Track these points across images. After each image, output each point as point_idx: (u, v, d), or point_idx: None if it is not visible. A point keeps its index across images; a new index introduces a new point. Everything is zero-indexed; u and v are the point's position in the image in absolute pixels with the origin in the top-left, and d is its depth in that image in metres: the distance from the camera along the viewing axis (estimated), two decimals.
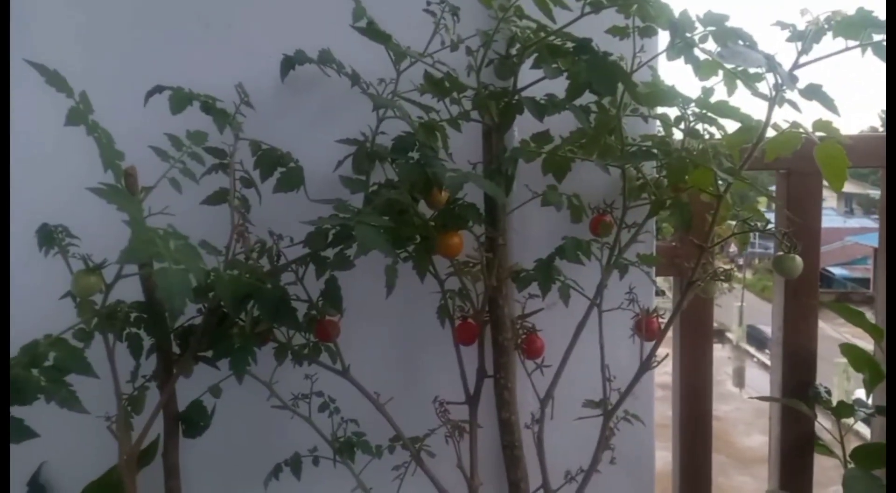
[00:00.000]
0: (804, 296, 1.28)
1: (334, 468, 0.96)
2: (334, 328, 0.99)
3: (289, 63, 1.02)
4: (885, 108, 0.95)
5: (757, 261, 22.71)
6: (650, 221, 1.06)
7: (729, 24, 0.80)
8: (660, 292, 1.08)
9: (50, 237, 0.73)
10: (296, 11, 1.13)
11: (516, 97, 0.86)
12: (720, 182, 0.90)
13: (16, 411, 0.69)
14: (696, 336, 1.24)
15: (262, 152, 0.98)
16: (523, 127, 0.98)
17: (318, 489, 0.98)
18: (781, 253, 0.93)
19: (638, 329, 1.00)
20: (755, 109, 1.00)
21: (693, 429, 1.28)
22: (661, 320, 1.00)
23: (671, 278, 1.33)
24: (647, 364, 0.96)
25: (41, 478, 1.26)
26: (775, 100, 0.85)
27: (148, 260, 0.61)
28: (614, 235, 1.03)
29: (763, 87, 0.88)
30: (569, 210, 0.94)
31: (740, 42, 0.78)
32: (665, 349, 1.00)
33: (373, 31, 0.84)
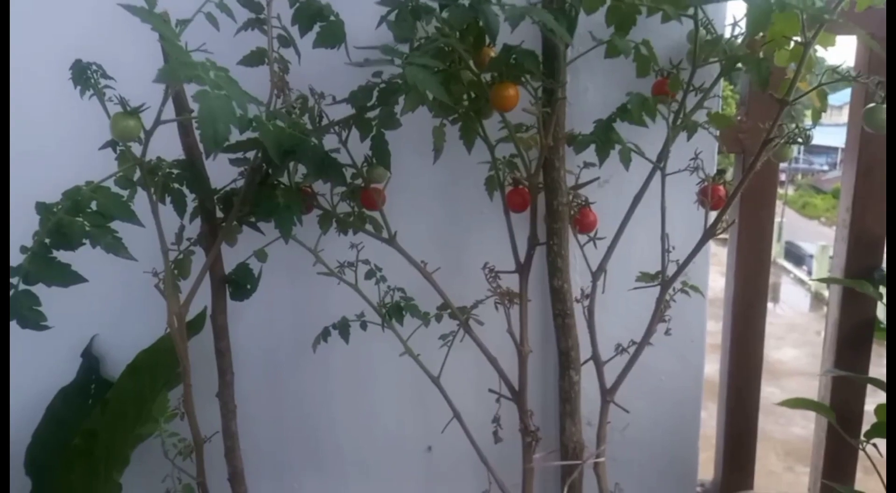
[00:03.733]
0: (877, 174, 1.19)
1: (382, 333, 0.95)
2: (379, 196, 0.96)
3: None
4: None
5: (799, 176, 21.93)
6: (717, 86, 0.97)
7: None
8: (721, 171, 1.00)
9: (84, 75, 0.69)
10: None
11: None
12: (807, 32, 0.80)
13: (63, 256, 0.68)
14: (758, 207, 1.18)
15: (299, 4, 0.90)
16: None
17: (365, 353, 0.98)
18: (873, 104, 0.84)
19: (703, 196, 0.93)
20: None
21: (748, 302, 1.23)
22: (728, 186, 0.94)
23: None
24: (711, 231, 0.90)
25: (93, 350, 1.30)
26: None
27: (185, 82, 0.56)
28: (681, 96, 0.95)
29: None
30: (634, 62, 0.85)
31: None
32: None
33: None
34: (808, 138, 0.88)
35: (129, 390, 1.21)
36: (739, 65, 0.91)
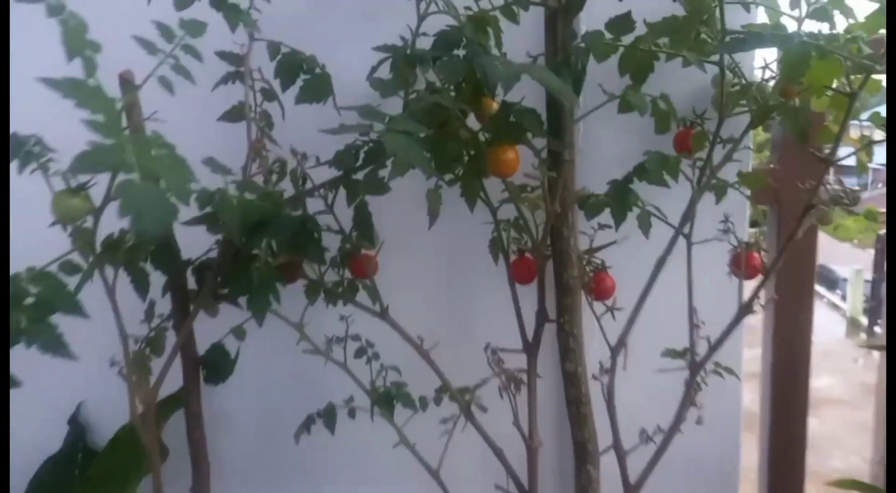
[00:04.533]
0: None
1: (372, 423, 0.85)
2: (371, 263, 0.86)
3: None
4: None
5: None
6: (748, 135, 0.87)
7: None
8: (753, 222, 0.89)
9: (23, 149, 0.61)
10: None
11: None
12: (853, 77, 0.69)
13: None
14: (796, 276, 1.05)
15: (282, 56, 0.83)
16: (592, 15, 0.79)
17: (355, 443, 0.87)
18: None
19: (736, 265, 0.82)
20: None
21: (789, 378, 1.10)
22: (764, 251, 0.82)
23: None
24: (746, 308, 0.79)
25: (80, 417, 1.22)
26: None
27: (112, 170, 0.48)
28: (707, 151, 0.84)
29: None
30: (652, 117, 0.75)
31: None
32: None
33: None
34: (856, 200, 0.77)
35: (111, 466, 1.12)
36: (773, 114, 0.81)
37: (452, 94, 0.73)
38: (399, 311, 0.87)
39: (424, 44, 0.78)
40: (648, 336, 0.90)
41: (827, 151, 0.80)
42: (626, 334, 0.88)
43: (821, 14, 0.71)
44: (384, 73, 0.85)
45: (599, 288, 0.90)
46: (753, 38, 0.67)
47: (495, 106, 0.80)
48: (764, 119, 0.81)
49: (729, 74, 0.86)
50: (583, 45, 0.67)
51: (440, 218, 0.83)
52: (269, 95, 0.86)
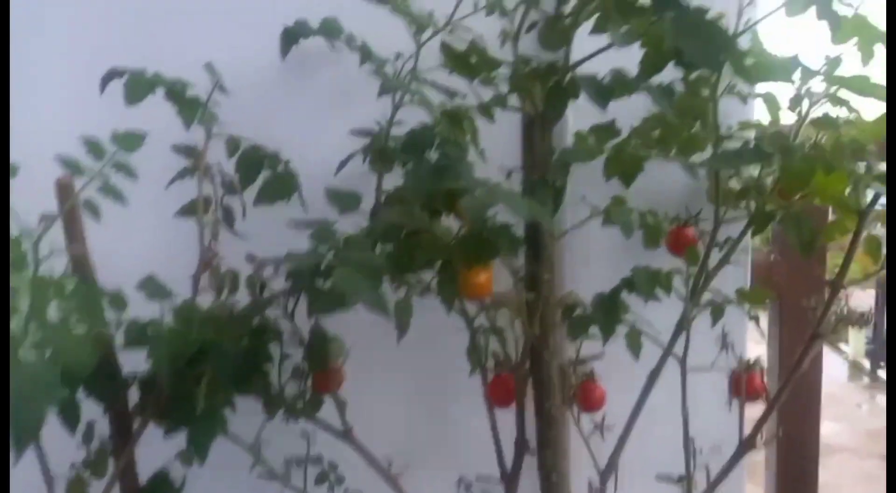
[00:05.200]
0: None
1: None
2: (336, 378, 0.78)
3: (291, 37, 0.81)
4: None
5: None
6: (745, 239, 0.80)
7: None
8: (753, 318, 0.81)
9: None
10: None
11: (569, 75, 0.61)
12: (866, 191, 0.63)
13: None
14: (801, 405, 0.96)
15: (242, 152, 0.76)
16: (579, 114, 0.73)
17: None
18: None
19: (735, 388, 0.74)
20: None
21: None
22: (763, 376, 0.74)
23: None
24: (749, 443, 0.71)
25: None
26: None
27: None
28: (701, 257, 0.77)
29: None
30: (641, 230, 0.68)
31: None
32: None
33: None
34: (867, 321, 0.69)
35: None
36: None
37: None
38: (366, 429, 0.79)
39: (405, 127, 0.73)
40: (641, 457, 0.81)
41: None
42: (618, 454, 0.80)
43: (826, 123, 0.65)
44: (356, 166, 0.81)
45: (588, 399, 0.82)
46: (750, 153, 0.61)
47: None
48: (764, 227, 0.74)
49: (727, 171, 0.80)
50: (561, 162, 0.60)
51: (412, 328, 0.76)
52: (231, 188, 0.80)
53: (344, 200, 0.62)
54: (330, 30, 0.81)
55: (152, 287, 0.59)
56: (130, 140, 0.57)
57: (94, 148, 0.55)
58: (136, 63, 0.70)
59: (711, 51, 0.51)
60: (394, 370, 0.86)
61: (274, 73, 0.89)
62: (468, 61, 0.62)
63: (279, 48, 0.81)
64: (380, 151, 0.77)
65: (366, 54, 0.81)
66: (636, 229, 0.68)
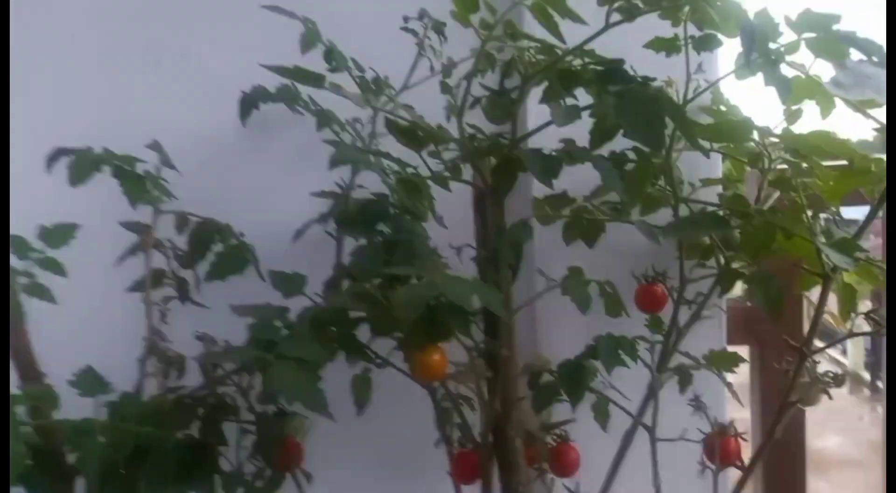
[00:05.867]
0: None
1: None
2: (295, 454, 0.75)
3: (249, 102, 0.80)
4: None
5: None
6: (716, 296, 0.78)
7: (839, 27, 0.52)
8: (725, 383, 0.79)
9: None
10: (261, 39, 0.90)
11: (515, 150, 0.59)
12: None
13: None
14: (785, 467, 0.93)
15: (194, 227, 0.74)
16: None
17: None
18: None
19: (708, 454, 0.72)
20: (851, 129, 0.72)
21: None
22: (743, 439, 0.72)
23: None
24: None
25: None
26: None
27: None
28: (671, 317, 0.75)
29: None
30: (602, 297, 0.66)
31: (863, 57, 0.49)
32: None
33: (298, 73, 0.59)
34: (841, 382, 0.67)
35: None
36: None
37: None
38: None
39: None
40: None
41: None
42: None
43: (784, 184, 0.63)
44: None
45: (562, 463, 0.79)
46: (707, 220, 0.59)
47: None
48: (731, 286, 0.72)
49: None
50: (511, 240, 0.58)
51: (376, 398, 0.73)
52: (184, 261, 0.78)
53: (288, 283, 0.60)
54: (287, 95, 0.79)
55: (87, 382, 0.56)
56: (59, 235, 0.54)
57: (19, 247, 0.53)
58: (92, 137, 0.68)
59: (653, 126, 0.49)
60: (358, 446, 0.83)
61: (234, 138, 0.88)
62: (414, 135, 0.60)
63: (238, 113, 0.80)
64: (338, 218, 0.76)
65: (323, 119, 0.79)
66: (597, 298, 0.66)
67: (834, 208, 0.64)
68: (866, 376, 6.04)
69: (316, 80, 0.60)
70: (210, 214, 0.76)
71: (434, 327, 0.59)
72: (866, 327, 0.68)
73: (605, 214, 0.67)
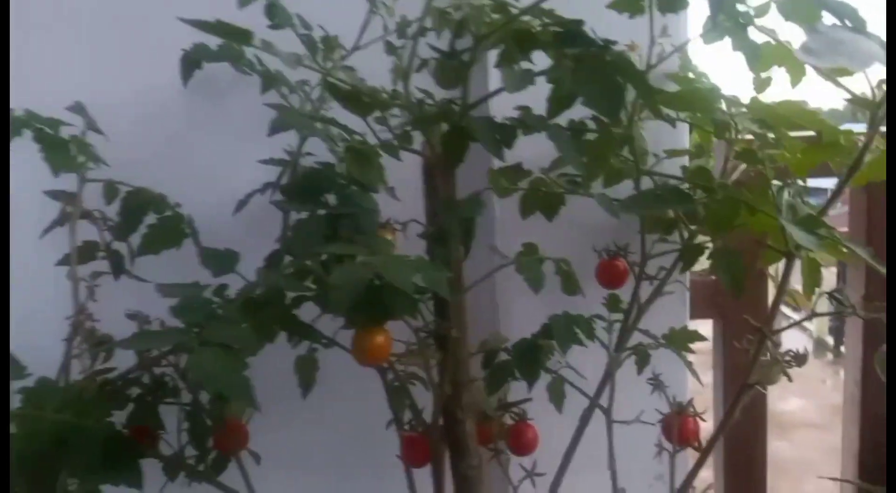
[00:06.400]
0: None
1: None
2: (238, 435, 0.72)
3: (191, 62, 0.74)
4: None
5: None
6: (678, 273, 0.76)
7: None
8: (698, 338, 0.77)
9: None
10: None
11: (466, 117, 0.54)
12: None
13: None
14: (746, 456, 0.93)
15: (125, 196, 0.69)
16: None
17: None
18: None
19: (667, 434, 0.70)
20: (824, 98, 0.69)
21: None
22: (702, 419, 0.70)
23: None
24: None
25: None
26: (883, 106, 0.53)
27: None
28: (632, 293, 0.73)
29: (857, 82, 0.56)
30: (558, 276, 0.63)
31: (836, 21, 0.46)
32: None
33: (220, 28, 0.53)
34: (803, 361, 0.65)
35: None
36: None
37: None
38: (275, 491, 0.73)
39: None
40: None
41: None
42: None
43: (750, 156, 0.60)
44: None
45: (519, 442, 0.77)
46: (669, 195, 0.56)
47: (391, 237, 0.68)
48: (693, 262, 0.69)
49: None
50: (459, 215, 0.54)
51: (324, 378, 0.70)
52: (118, 233, 0.72)
53: (218, 260, 0.55)
54: (230, 54, 0.73)
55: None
56: None
57: None
58: (19, 102, 0.63)
59: (609, 98, 0.45)
60: (306, 428, 0.80)
61: (180, 104, 0.82)
62: (358, 99, 0.56)
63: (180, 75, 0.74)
64: (281, 188, 0.71)
65: (269, 81, 0.74)
66: (553, 274, 0.63)
67: (801, 182, 0.61)
68: (830, 341, 6.23)
69: (241, 36, 0.55)
70: (151, 185, 0.71)
71: (377, 307, 0.55)
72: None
73: (562, 187, 0.63)
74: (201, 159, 0.85)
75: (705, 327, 0.97)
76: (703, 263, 1.04)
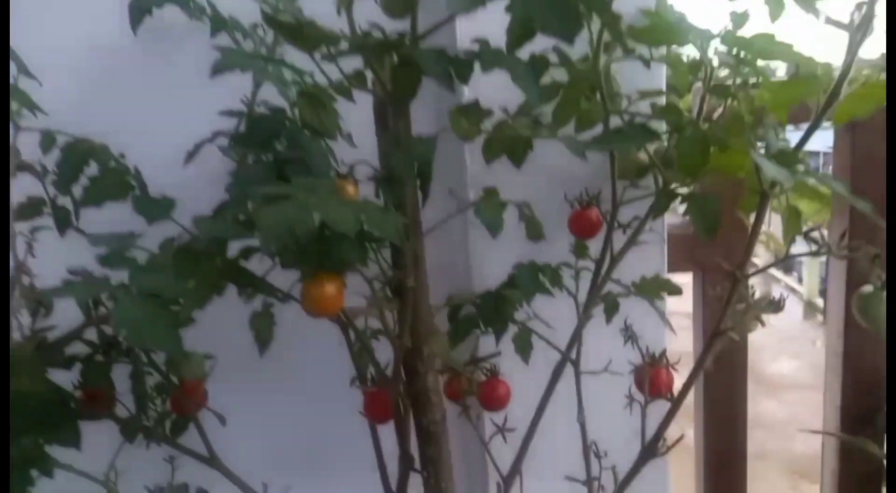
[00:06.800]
0: None
1: None
2: (195, 395, 0.69)
3: (140, 6, 0.69)
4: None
5: None
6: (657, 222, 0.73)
7: None
8: (675, 291, 0.75)
9: None
10: None
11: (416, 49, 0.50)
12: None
13: None
14: (725, 385, 0.91)
15: (64, 147, 0.65)
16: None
17: None
18: (868, 288, 0.59)
19: (639, 385, 0.68)
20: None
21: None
22: (674, 370, 0.68)
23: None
24: (651, 449, 0.64)
25: None
26: (863, 30, 0.49)
27: None
28: (603, 242, 0.70)
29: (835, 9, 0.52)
30: (522, 222, 0.60)
31: None
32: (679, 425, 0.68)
33: None
34: (779, 307, 0.62)
35: None
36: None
37: None
38: (238, 451, 0.70)
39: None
40: (546, 461, 0.75)
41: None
42: (521, 460, 0.73)
43: (720, 91, 0.56)
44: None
45: (491, 397, 0.75)
46: (635, 132, 0.52)
47: (352, 191, 0.64)
48: (665, 207, 0.66)
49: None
50: (409, 158, 0.50)
51: (285, 338, 0.67)
52: (58, 185, 0.69)
53: (152, 207, 0.52)
54: None
55: None
56: None
57: None
58: None
59: (568, 18, 0.41)
60: (269, 386, 0.77)
61: (129, 52, 0.78)
62: (298, 31, 0.51)
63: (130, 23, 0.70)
64: (231, 136, 0.67)
65: (217, 23, 0.70)
66: (517, 221, 0.59)
67: (779, 121, 0.57)
68: (820, 303, 6.26)
69: None
70: (101, 136, 0.67)
71: (324, 255, 0.52)
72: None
73: (528, 129, 0.60)
74: (153, 111, 0.81)
75: (685, 281, 0.94)
76: (680, 211, 1.01)
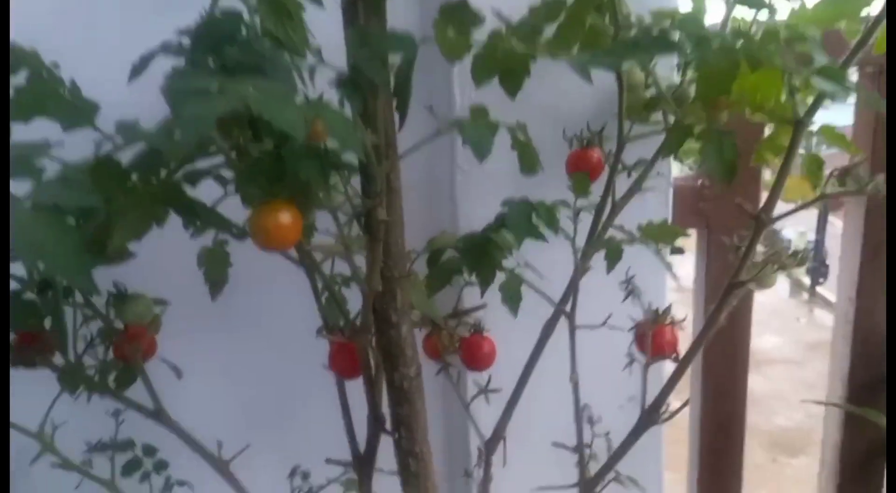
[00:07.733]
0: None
1: None
2: (142, 343, 0.62)
3: None
4: None
5: None
6: (667, 161, 0.65)
7: None
8: (676, 250, 0.67)
9: None
10: None
11: None
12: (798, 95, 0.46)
13: None
14: (726, 355, 0.84)
15: None
16: None
17: None
18: None
19: (640, 343, 0.60)
20: None
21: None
22: (679, 329, 0.60)
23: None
24: (652, 415, 0.57)
25: None
26: None
27: None
28: (605, 185, 0.62)
29: None
30: (514, 150, 0.51)
31: None
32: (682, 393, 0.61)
33: None
34: (804, 260, 0.55)
35: None
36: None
37: None
38: (192, 407, 0.63)
39: None
40: (533, 425, 0.69)
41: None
42: (504, 424, 0.66)
43: (754, 3, 0.48)
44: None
45: (474, 355, 0.68)
46: (657, 41, 0.43)
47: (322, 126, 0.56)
48: (678, 145, 0.58)
49: (638, 76, 0.64)
50: (380, 56, 0.42)
51: (242, 280, 0.60)
52: None
53: (71, 112, 0.43)
54: None
55: None
56: None
57: None
58: None
59: None
60: (225, 334, 0.70)
61: None
62: None
63: None
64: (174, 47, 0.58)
65: None
66: (509, 149, 0.51)
67: (817, 38, 0.49)
68: (807, 281, 6.30)
69: None
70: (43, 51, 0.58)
71: (279, 176, 0.43)
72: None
73: (524, 46, 0.51)
74: (107, 32, 0.72)
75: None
76: (688, 160, 0.93)
